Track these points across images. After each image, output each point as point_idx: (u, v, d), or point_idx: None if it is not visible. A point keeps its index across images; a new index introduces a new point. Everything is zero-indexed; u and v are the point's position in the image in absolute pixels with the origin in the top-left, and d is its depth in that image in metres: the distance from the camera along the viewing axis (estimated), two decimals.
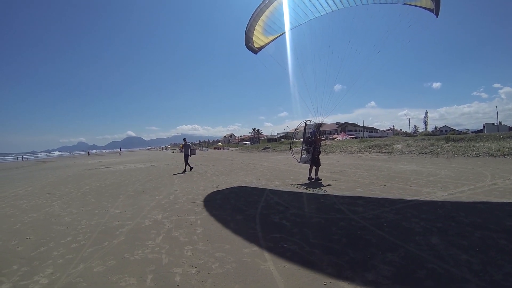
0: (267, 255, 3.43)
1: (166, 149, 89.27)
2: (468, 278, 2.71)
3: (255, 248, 3.66)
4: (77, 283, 3.02)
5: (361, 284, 2.69)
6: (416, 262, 3.08)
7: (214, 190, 8.20)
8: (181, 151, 15.31)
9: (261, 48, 8.95)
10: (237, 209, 5.79)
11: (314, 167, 8.86)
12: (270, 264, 3.19)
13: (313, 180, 8.76)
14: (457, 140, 19.28)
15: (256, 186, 8.50)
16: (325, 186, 8.01)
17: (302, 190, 7.57)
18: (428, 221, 4.47)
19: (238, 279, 2.90)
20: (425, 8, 7.08)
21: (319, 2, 7.53)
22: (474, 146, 16.61)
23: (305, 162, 9.08)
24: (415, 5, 7.17)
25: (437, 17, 7.07)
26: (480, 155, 14.49)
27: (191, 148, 16.13)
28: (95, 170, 18.54)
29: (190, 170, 14.04)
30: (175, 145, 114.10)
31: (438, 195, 6.25)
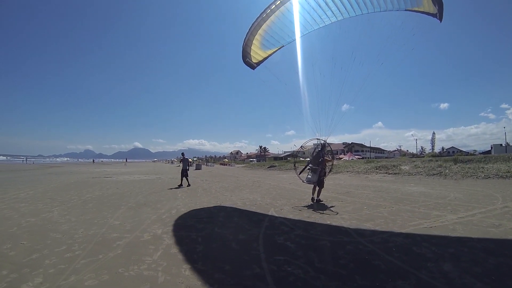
0: (269, 279, 3.27)
1: (172, 162, 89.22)
2: None
3: (257, 271, 3.50)
4: None
5: None
6: None
7: (218, 207, 8.06)
8: (180, 165, 15.14)
9: (259, 63, 8.80)
10: (240, 228, 5.63)
11: (317, 188, 8.55)
12: None
13: (315, 201, 8.48)
14: (465, 162, 18.95)
15: (260, 205, 8.32)
16: (330, 207, 7.80)
17: (307, 211, 7.37)
18: (439, 246, 4.28)
19: None
20: (427, 13, 6.89)
21: (318, 14, 7.41)
22: (483, 168, 16.26)
23: (311, 183, 8.76)
24: (417, 11, 6.99)
25: (440, 22, 6.84)
26: (489, 177, 14.13)
27: (190, 164, 15.96)
28: (99, 179, 18.55)
29: (187, 186, 13.72)
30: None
31: (448, 219, 6.03)
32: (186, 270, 3.55)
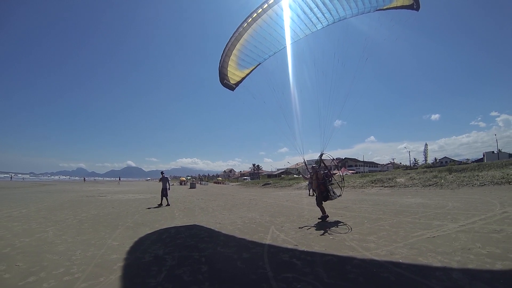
0: None
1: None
2: None
3: None
4: None
5: None
6: None
7: (217, 226, 7.90)
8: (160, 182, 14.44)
9: (237, 84, 8.53)
10: (243, 247, 5.51)
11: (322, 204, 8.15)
12: None
13: (324, 218, 8.08)
14: (460, 171, 19.22)
15: (260, 223, 8.21)
16: (330, 222, 7.73)
17: (309, 228, 7.27)
18: (444, 255, 4.27)
19: None
20: (402, 7, 6.68)
21: (292, 29, 7.22)
22: (477, 176, 16.51)
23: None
24: (389, 8, 6.80)
25: (418, 11, 6.65)
26: (485, 184, 14.35)
27: (192, 182, 15.70)
28: (93, 198, 18.21)
29: (166, 205, 13.35)
30: (174, 178, 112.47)
31: (450, 228, 6.05)
32: None
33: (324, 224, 7.47)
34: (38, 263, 4.55)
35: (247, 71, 8.40)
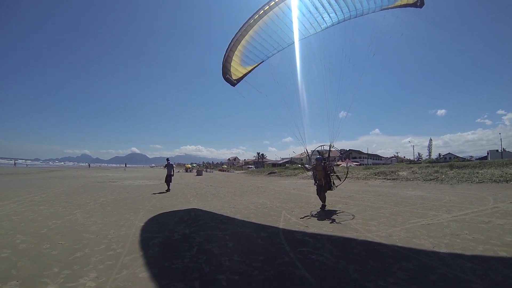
0: (299, 265, 3.96)
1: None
2: (473, 280, 3.26)
3: (287, 259, 4.19)
4: (127, 287, 3.31)
5: (385, 284, 3.24)
6: (428, 269, 3.63)
7: (232, 210, 8.67)
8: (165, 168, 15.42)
9: (239, 80, 8.62)
10: (260, 227, 6.30)
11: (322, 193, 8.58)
12: (304, 272, 3.71)
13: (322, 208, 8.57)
14: (461, 167, 19.77)
15: (271, 208, 9.02)
16: (334, 210, 8.48)
17: (317, 213, 8.06)
18: (435, 238, 5.03)
19: (279, 283, 3.44)
20: (406, 5, 6.90)
21: (297, 28, 7.41)
22: (477, 173, 17.07)
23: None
24: (396, 6, 7.00)
25: (421, 8, 6.85)
26: (483, 181, 14.94)
27: (198, 169, 16.37)
28: (105, 183, 19.02)
29: (166, 191, 14.02)
30: (179, 165, 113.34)
31: (444, 217, 6.78)
32: (226, 261, 4.16)
33: (330, 211, 8.22)
34: (78, 241, 5.04)
35: (249, 68, 8.55)
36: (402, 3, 6.88)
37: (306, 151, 9.23)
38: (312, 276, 3.55)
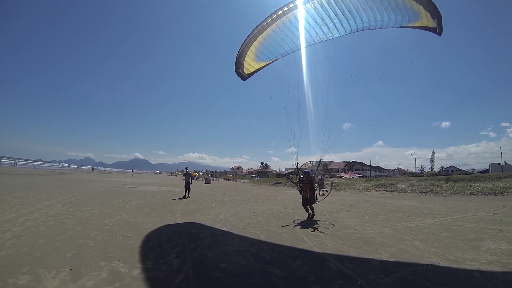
0: (316, 248, 5.69)
1: (176, 175, 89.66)
2: (434, 259, 4.96)
3: (306, 245, 5.92)
4: (202, 261, 5.00)
5: (372, 260, 4.96)
6: (405, 252, 5.35)
7: (253, 214, 10.30)
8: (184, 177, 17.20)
9: (250, 74, 8.88)
10: (280, 226, 8.01)
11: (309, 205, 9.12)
12: (319, 251, 5.44)
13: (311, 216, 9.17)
14: (457, 180, 21.21)
15: (286, 212, 10.73)
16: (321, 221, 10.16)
17: (321, 218, 9.75)
18: (415, 234, 6.76)
19: (303, 255, 5.15)
20: (425, 28, 6.83)
21: (314, 30, 7.58)
22: (470, 186, 18.52)
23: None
24: (415, 27, 6.92)
25: (440, 36, 6.86)
26: (474, 194, 16.46)
27: (192, 178, 17.68)
28: (124, 188, 20.05)
29: (184, 197, 15.32)
30: (181, 172, 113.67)
31: (427, 222, 8.47)
32: (263, 245, 5.87)
33: (332, 217, 9.94)
34: (142, 235, 6.19)
35: (263, 64, 8.72)
36: (422, 25, 6.81)
37: (296, 163, 9.54)
38: (326, 254, 5.27)
